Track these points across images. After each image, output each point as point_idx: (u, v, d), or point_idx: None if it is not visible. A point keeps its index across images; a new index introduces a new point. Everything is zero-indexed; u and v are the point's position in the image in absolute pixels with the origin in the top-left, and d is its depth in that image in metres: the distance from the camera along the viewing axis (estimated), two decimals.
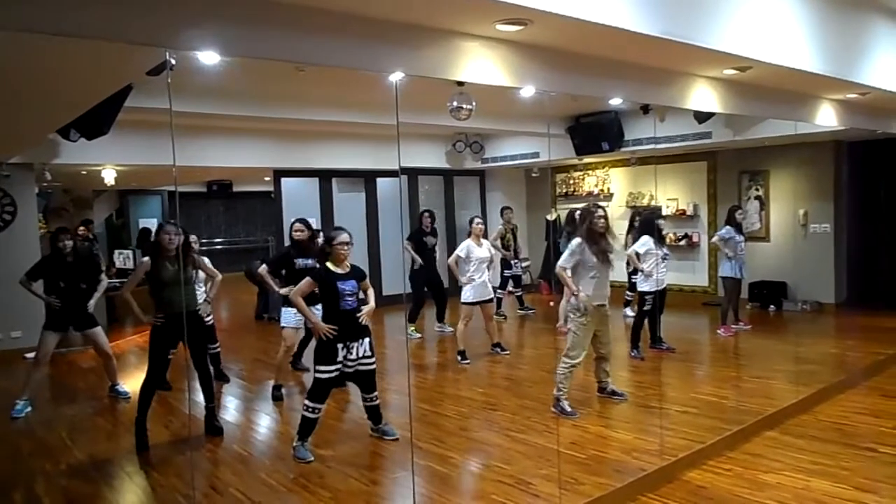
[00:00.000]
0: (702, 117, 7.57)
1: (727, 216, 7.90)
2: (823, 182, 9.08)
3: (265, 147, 9.33)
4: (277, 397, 5.71)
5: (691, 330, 8.43)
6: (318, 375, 4.32)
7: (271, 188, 10.44)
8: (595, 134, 9.24)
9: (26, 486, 4.07)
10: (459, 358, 6.84)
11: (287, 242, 9.97)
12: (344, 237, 4.43)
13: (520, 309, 9.49)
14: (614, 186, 11.22)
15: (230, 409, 5.68)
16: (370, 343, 4.46)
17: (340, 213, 10.72)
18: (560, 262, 5.01)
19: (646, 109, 8.29)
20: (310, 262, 5.67)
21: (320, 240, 6.34)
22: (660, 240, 6.83)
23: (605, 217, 5.08)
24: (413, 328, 8.25)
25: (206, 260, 5.38)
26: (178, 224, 5.29)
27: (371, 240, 10.99)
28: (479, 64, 3.45)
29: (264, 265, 5.87)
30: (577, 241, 5.03)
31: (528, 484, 3.79)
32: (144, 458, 4.49)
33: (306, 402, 4.32)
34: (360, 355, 4.40)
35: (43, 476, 4.23)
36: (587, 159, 10.86)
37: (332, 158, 10.04)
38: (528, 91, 4.13)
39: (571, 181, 11.88)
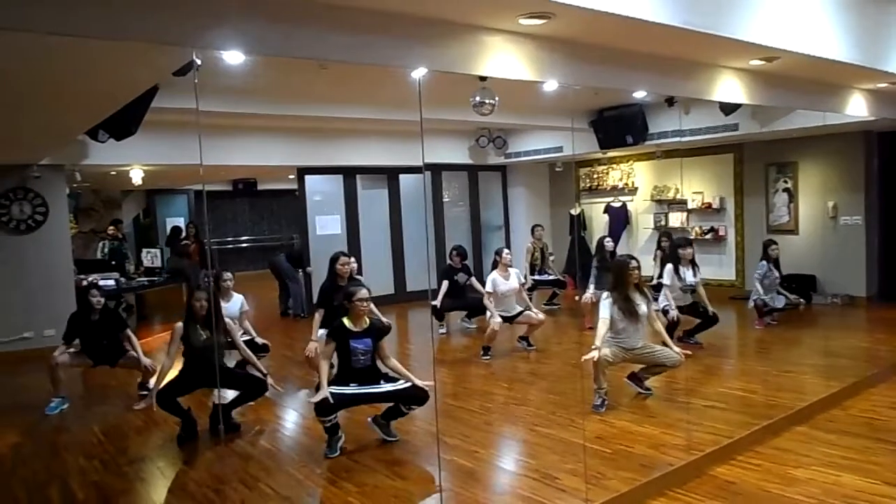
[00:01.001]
0: (728, 109, 7.47)
1: (762, 251, 7.86)
2: (853, 173, 8.91)
3: (289, 145, 9.42)
4: None
5: (718, 324, 8.32)
6: (317, 399, 4.23)
7: (295, 186, 10.53)
8: (619, 127, 9.17)
9: (61, 481, 4.16)
10: (482, 353, 6.86)
11: (312, 241, 10.16)
12: (363, 293, 4.36)
13: (545, 304, 9.47)
14: (639, 180, 11.13)
15: (258, 406, 5.74)
16: (387, 377, 4.41)
17: (364, 210, 10.79)
18: (601, 314, 5.05)
19: (671, 102, 8.21)
20: None
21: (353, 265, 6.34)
22: (689, 267, 6.84)
23: (639, 268, 5.14)
24: (442, 323, 8.30)
25: (234, 326, 5.24)
26: (209, 286, 5.37)
27: (395, 236, 11.04)
28: (502, 58, 3.45)
29: (317, 314, 5.71)
30: (605, 295, 5.14)
31: (553, 478, 3.79)
32: (175, 452, 4.56)
33: (317, 416, 4.29)
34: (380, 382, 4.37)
35: (77, 471, 4.32)
36: (611, 153, 10.76)
37: (356, 155, 10.10)
38: (551, 85, 4.12)
39: (595, 175, 11.80)
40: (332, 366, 4.43)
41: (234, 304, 5.95)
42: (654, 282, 7.13)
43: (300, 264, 9.99)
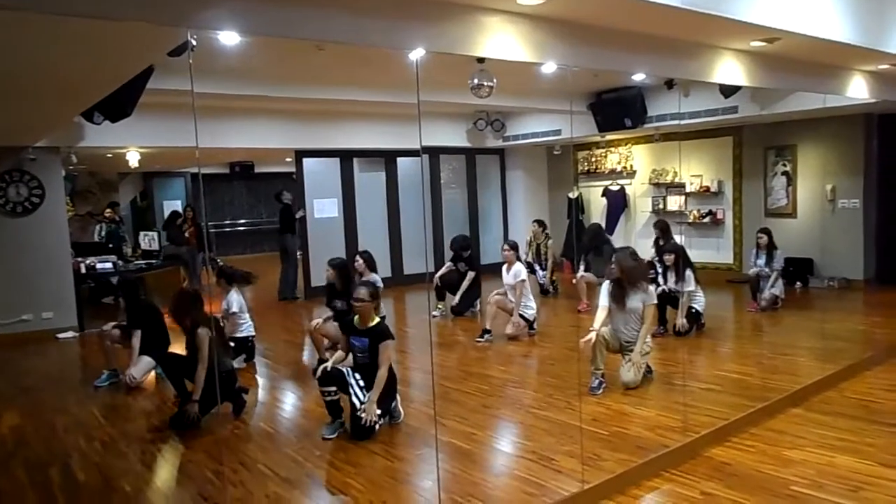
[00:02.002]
0: (727, 91, 7.43)
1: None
2: (852, 156, 8.89)
3: (286, 127, 9.38)
4: None
5: (715, 307, 8.33)
6: (319, 367, 4.51)
7: (293, 169, 10.49)
8: (618, 110, 9.13)
9: (62, 462, 4.18)
10: (479, 336, 6.89)
11: (310, 224, 10.15)
12: (359, 293, 4.39)
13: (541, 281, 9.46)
14: (637, 163, 11.10)
15: (257, 388, 5.77)
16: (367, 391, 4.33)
17: (361, 193, 10.77)
18: (600, 302, 5.22)
19: (670, 84, 8.16)
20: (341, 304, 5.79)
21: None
22: (672, 272, 6.81)
23: (642, 263, 5.34)
24: (440, 304, 8.37)
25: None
26: (203, 289, 5.49)
27: (392, 219, 11.03)
28: (501, 39, 3.42)
29: (319, 321, 5.92)
30: (605, 282, 5.29)
31: (550, 460, 3.81)
32: (174, 435, 4.58)
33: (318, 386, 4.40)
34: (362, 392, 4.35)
35: (77, 452, 4.34)
36: (610, 136, 10.74)
37: (353, 138, 10.06)
38: (549, 67, 4.09)
39: (594, 158, 11.77)
40: (345, 355, 4.56)
41: (225, 302, 6.08)
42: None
43: (295, 219, 10.09)
